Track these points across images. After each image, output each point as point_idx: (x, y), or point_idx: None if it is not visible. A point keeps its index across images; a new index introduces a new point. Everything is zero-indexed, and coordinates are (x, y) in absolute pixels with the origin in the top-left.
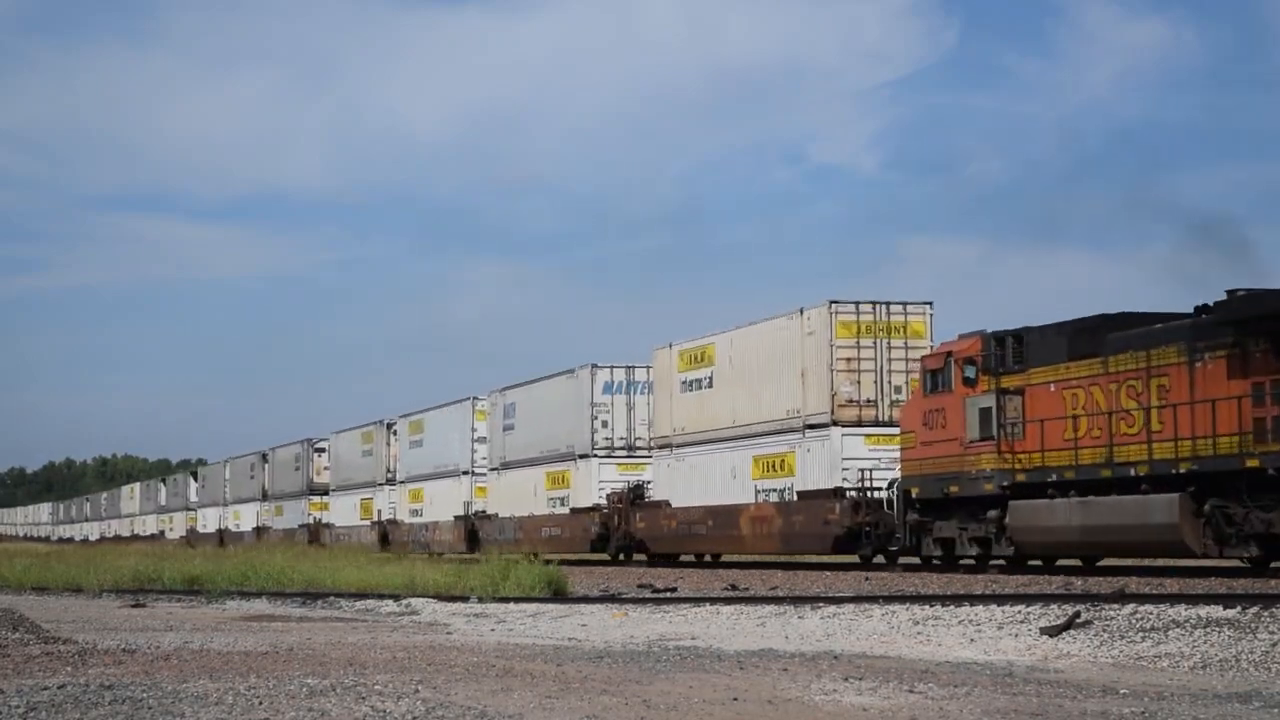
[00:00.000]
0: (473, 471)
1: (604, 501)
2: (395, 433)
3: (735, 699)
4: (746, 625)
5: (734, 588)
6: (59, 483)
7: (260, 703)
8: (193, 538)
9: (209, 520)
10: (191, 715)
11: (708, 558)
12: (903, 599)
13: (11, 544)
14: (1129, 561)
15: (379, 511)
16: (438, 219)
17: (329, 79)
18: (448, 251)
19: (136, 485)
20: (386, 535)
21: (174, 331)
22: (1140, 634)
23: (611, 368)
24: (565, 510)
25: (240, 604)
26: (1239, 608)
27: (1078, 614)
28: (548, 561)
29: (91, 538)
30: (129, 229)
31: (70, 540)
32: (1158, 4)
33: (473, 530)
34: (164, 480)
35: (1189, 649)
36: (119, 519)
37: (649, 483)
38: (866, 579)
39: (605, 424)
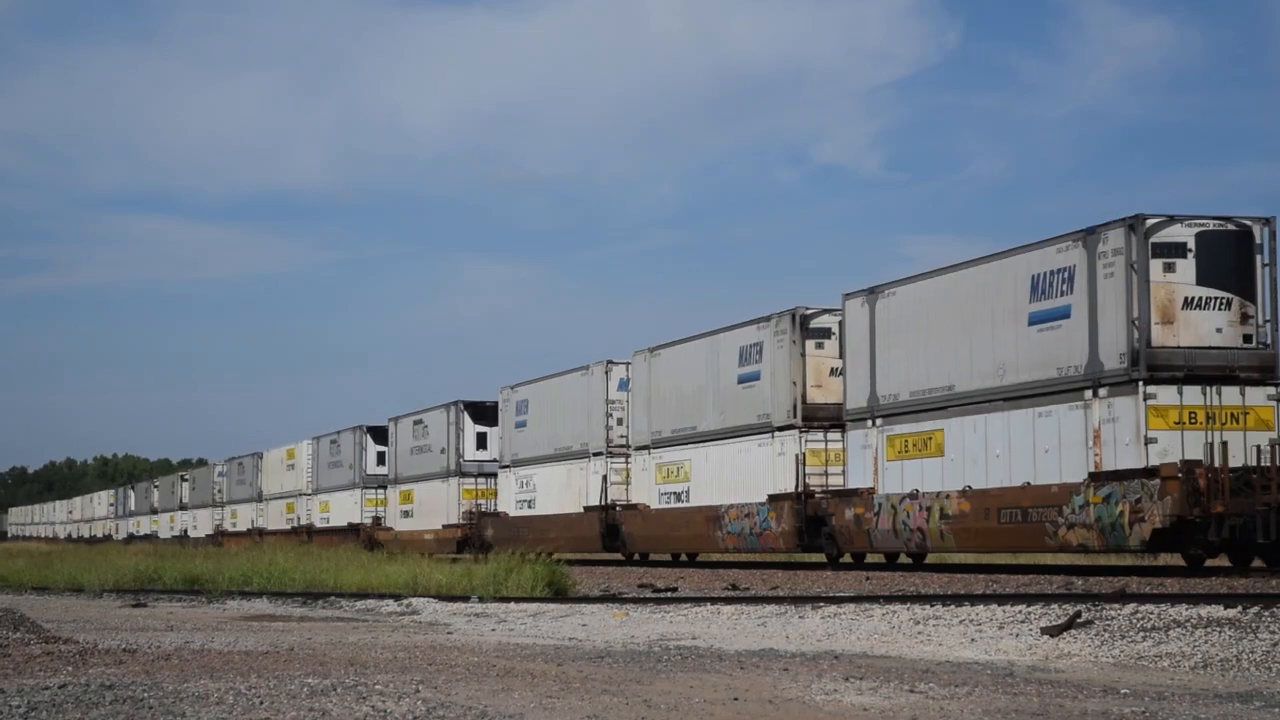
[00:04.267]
0: None
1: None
2: None
3: (736, 699)
4: (747, 625)
5: (734, 587)
6: (59, 482)
7: (261, 702)
8: (491, 529)
9: (511, 493)
10: (192, 715)
11: None
12: (903, 599)
13: (47, 546)
14: (1129, 561)
15: None
16: (438, 219)
17: (331, 79)
18: (448, 251)
19: (304, 445)
20: None
21: (174, 331)
22: (1141, 634)
23: None
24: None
25: (241, 604)
26: (1240, 607)
27: (1079, 614)
28: None
29: (194, 533)
30: (131, 229)
31: (150, 538)
32: (1161, 4)
33: None
34: (368, 430)
35: (1190, 649)
36: (255, 504)
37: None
38: (867, 579)
39: None
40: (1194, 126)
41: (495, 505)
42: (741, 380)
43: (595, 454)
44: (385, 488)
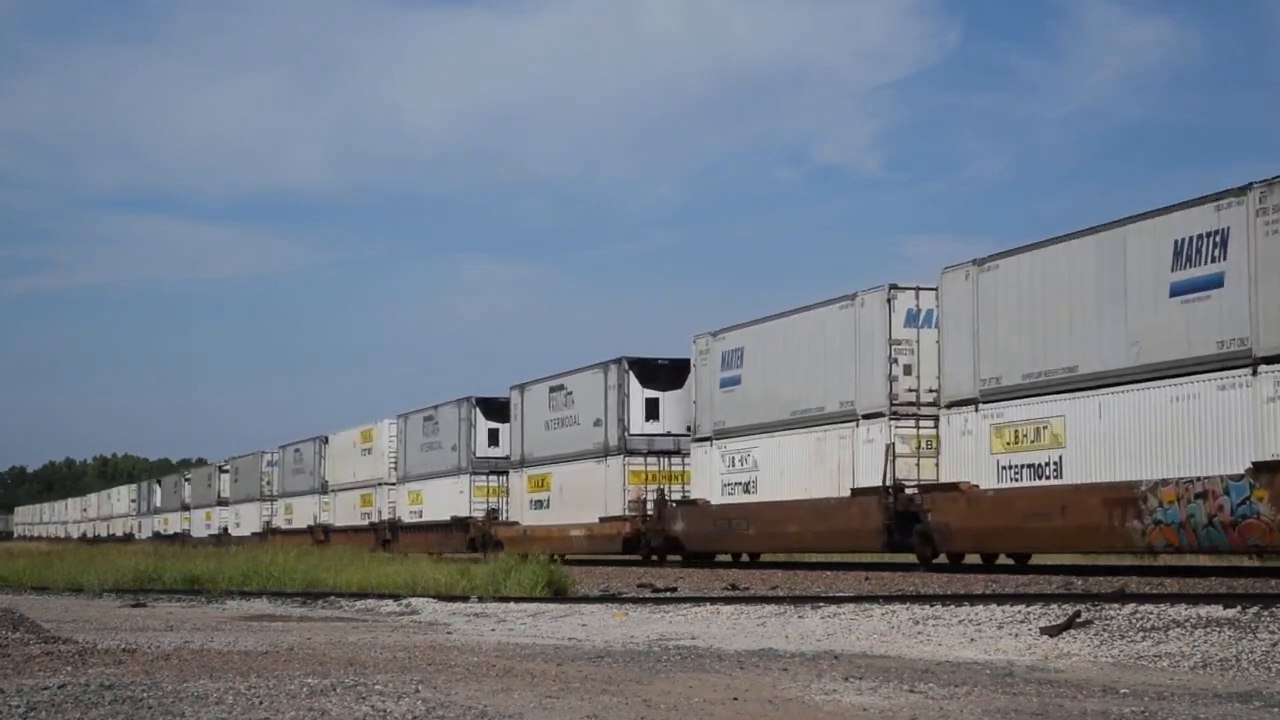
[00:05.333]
0: None
1: None
2: None
3: (735, 698)
4: (747, 625)
5: (734, 587)
6: (59, 482)
7: (260, 702)
8: (682, 522)
9: (714, 474)
10: (192, 715)
11: None
12: (903, 599)
13: (56, 546)
14: (1129, 561)
15: None
16: (438, 219)
17: (331, 79)
18: (448, 251)
19: (385, 424)
20: None
21: (174, 331)
22: (1140, 634)
23: None
24: None
25: (240, 604)
26: (1239, 607)
27: (1078, 613)
28: None
29: (237, 530)
30: (131, 229)
31: (180, 538)
32: (1161, 4)
33: None
34: (478, 403)
35: (1189, 648)
36: (317, 496)
37: None
38: (866, 579)
39: None
40: (1194, 126)
41: (684, 490)
42: (1180, 291)
43: (868, 416)
44: (505, 473)
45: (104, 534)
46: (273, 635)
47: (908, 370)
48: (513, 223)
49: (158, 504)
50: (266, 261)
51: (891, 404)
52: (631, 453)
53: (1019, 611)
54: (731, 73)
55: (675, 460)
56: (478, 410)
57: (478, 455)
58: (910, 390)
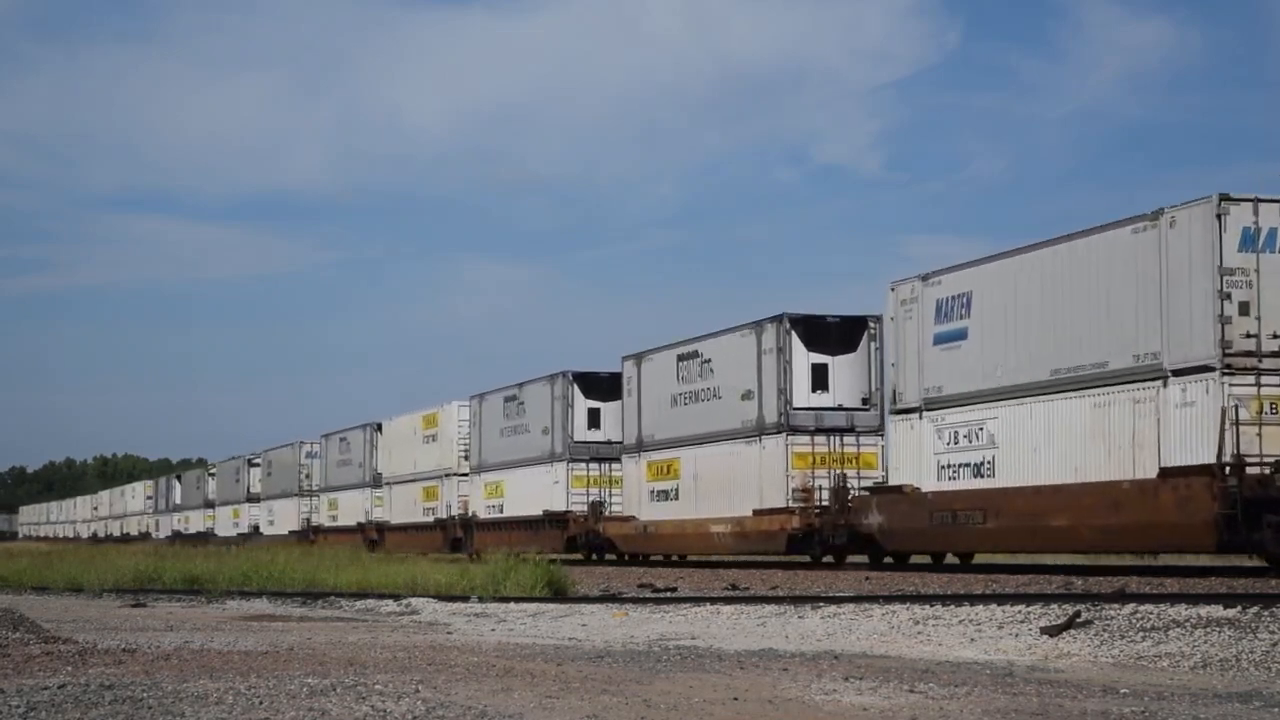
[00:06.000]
0: None
1: None
2: None
3: (735, 699)
4: (747, 625)
5: (734, 587)
6: (59, 482)
7: (260, 702)
8: (880, 515)
9: (924, 455)
10: (192, 715)
11: None
12: (903, 599)
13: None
14: (1129, 561)
15: None
16: (438, 219)
17: (331, 79)
18: (448, 251)
19: (454, 406)
20: None
21: (174, 331)
22: (1140, 634)
23: None
24: None
25: (240, 604)
26: (1239, 607)
27: (1078, 614)
28: None
29: (270, 529)
30: (131, 229)
31: (203, 537)
32: (1161, 4)
33: None
34: (576, 379)
35: (1189, 649)
36: (369, 490)
37: None
38: (867, 579)
39: None
40: (1194, 126)
41: (860, 475)
42: None
43: (1182, 371)
44: (610, 460)
45: (117, 533)
46: (273, 635)
47: (1243, 309)
48: (513, 223)
49: (177, 501)
50: (266, 261)
51: (1224, 354)
52: (795, 430)
53: (1019, 611)
54: (731, 73)
55: (849, 439)
56: (575, 387)
57: (575, 440)
58: (1248, 336)
